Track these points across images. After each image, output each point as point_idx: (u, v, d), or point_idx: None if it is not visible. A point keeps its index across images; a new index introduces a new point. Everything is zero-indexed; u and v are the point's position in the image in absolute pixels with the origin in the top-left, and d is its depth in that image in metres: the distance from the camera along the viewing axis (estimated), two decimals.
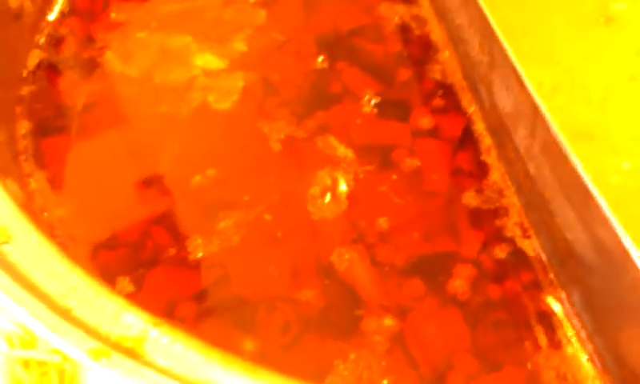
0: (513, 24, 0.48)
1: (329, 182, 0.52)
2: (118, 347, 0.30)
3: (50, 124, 0.60)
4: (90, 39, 0.67)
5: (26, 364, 0.47)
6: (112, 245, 0.51)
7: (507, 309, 0.46)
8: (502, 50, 0.46)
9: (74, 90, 0.63)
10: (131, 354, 0.30)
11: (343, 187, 0.52)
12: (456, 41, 0.58)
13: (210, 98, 0.61)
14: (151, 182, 0.55)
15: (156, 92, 0.62)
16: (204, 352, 0.33)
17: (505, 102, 0.48)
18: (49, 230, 0.49)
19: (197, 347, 0.33)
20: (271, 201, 0.52)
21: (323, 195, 0.52)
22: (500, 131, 0.50)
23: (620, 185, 0.48)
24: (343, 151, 0.54)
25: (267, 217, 0.51)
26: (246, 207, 0.51)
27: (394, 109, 0.59)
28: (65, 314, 0.32)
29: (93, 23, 0.69)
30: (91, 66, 0.65)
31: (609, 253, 0.37)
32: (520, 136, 0.46)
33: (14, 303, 0.31)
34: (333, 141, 0.56)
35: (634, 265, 0.35)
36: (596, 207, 0.36)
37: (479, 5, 0.48)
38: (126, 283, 0.49)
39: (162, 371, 0.30)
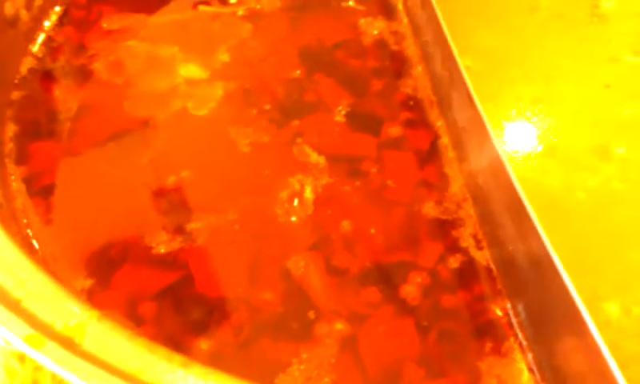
0: (489, 39, 0.50)
1: (297, 187, 0.54)
2: (55, 337, 0.32)
3: (39, 129, 0.63)
4: (82, 47, 0.70)
5: (22, 358, 0.49)
6: (81, 245, 0.53)
7: (457, 318, 0.47)
8: (456, 67, 0.47)
9: (66, 97, 0.66)
10: (67, 343, 0.32)
11: (310, 193, 0.54)
12: (426, 56, 0.60)
13: (189, 105, 0.63)
14: (131, 185, 0.58)
15: (138, 98, 0.65)
16: (144, 347, 0.35)
17: (461, 116, 0.49)
18: (23, 227, 0.52)
19: (138, 343, 0.35)
20: (241, 204, 0.54)
21: (291, 199, 0.54)
22: (460, 145, 0.52)
23: (585, 201, 0.49)
24: (316, 159, 0.56)
25: (234, 218, 0.53)
26: (217, 211, 0.53)
27: (364, 120, 0.61)
28: (13, 304, 0.34)
29: (86, 33, 0.71)
30: (83, 74, 0.68)
31: (540, 264, 0.38)
32: (472, 151, 0.47)
33: None
34: (307, 149, 0.58)
35: (560, 277, 0.36)
36: (528, 220, 0.38)
37: (439, 22, 0.50)
38: (90, 282, 0.51)
39: (97, 362, 0.32)
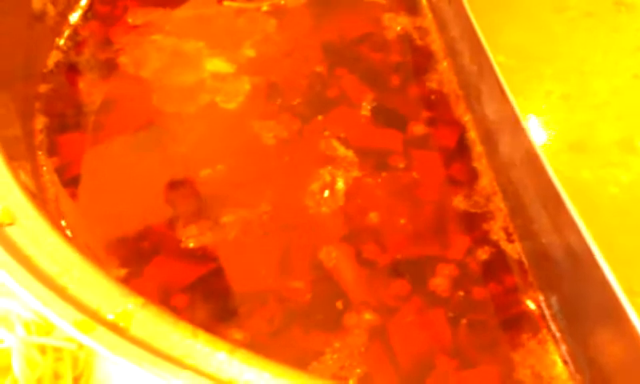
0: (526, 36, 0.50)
1: (328, 178, 0.55)
2: (104, 322, 0.33)
3: (67, 121, 0.64)
4: (107, 42, 0.71)
5: (43, 350, 0.49)
6: (116, 236, 0.54)
7: (488, 310, 0.47)
8: (487, 61, 0.48)
9: (92, 90, 0.66)
10: (116, 329, 0.33)
11: (341, 184, 0.55)
12: (452, 52, 0.60)
13: (218, 99, 0.63)
14: (161, 177, 0.58)
15: (166, 92, 0.65)
16: (189, 332, 0.35)
17: (491, 110, 0.50)
18: (56, 217, 0.53)
19: (182, 329, 0.36)
20: (272, 196, 0.55)
21: (322, 191, 0.54)
22: (489, 139, 0.52)
23: (618, 196, 0.49)
24: (343, 152, 0.57)
25: (266, 210, 0.53)
26: (249, 205, 0.54)
27: (389, 115, 0.61)
28: (60, 291, 0.35)
29: (111, 27, 0.72)
30: (108, 68, 0.69)
31: (577, 257, 0.38)
32: (503, 144, 0.47)
33: (14, 281, 0.34)
34: (334, 142, 0.58)
35: (599, 270, 0.36)
36: (566, 213, 0.38)
37: (469, 18, 0.50)
38: (124, 271, 0.51)
39: (146, 347, 0.33)
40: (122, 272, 0.51)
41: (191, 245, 0.52)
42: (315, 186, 0.54)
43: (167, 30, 0.71)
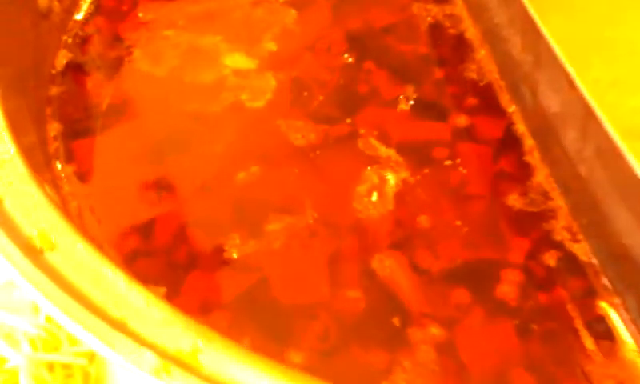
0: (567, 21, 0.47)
1: (376, 180, 0.51)
2: (176, 361, 0.29)
3: (80, 125, 0.59)
4: (117, 39, 0.67)
5: (51, 367, 0.47)
6: (146, 250, 0.50)
7: (559, 317, 0.44)
8: (548, 49, 0.45)
9: (104, 91, 0.62)
10: (189, 368, 0.29)
11: (391, 186, 0.51)
12: (493, 39, 0.57)
13: (244, 97, 0.59)
14: (184, 181, 0.54)
15: (185, 91, 0.61)
16: (257, 363, 0.32)
17: (551, 102, 0.46)
18: (87, 235, 0.48)
19: (248, 358, 0.32)
20: (316, 200, 0.51)
21: (370, 193, 0.51)
22: (545, 132, 0.49)
23: None
24: (385, 151, 0.53)
25: (312, 216, 0.50)
26: (293, 211, 0.50)
27: (428, 110, 0.58)
28: (121, 327, 0.31)
29: (121, 23, 0.68)
30: (119, 66, 0.64)
31: None
32: (569, 138, 0.44)
33: (66, 317, 0.30)
34: (373, 141, 0.55)
35: None
36: None
37: (522, 3, 0.47)
38: (161, 290, 0.48)
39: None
40: (161, 291, 0.47)
41: (235, 255, 0.48)
42: (363, 189, 0.51)
43: (181, 24, 0.67)
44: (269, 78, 0.61)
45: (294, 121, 0.57)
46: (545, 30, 0.45)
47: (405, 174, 0.52)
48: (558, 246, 0.47)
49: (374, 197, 0.50)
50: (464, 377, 0.42)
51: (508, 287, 0.45)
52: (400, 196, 0.50)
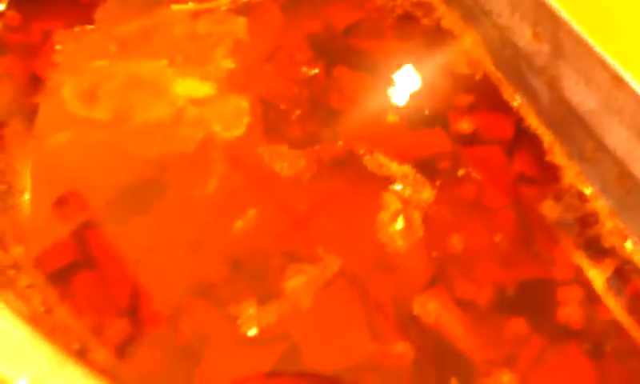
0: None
1: (398, 204, 0.44)
2: None
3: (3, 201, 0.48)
4: (35, 79, 0.55)
5: None
6: (139, 340, 0.41)
7: (628, 332, 0.40)
8: (577, 41, 0.40)
9: (23, 148, 0.51)
10: None
11: (416, 209, 0.44)
12: (477, 24, 0.51)
13: (216, 128, 0.51)
14: (167, 243, 0.45)
15: (139, 134, 0.51)
16: None
17: (583, 97, 0.42)
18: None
19: None
20: (336, 241, 0.44)
21: (394, 220, 0.44)
22: (572, 128, 0.45)
23: None
24: (398, 168, 0.46)
25: (335, 261, 0.42)
26: (311, 258, 0.42)
27: (420, 115, 0.52)
28: None
29: (35, 59, 0.56)
30: (42, 113, 0.53)
31: None
32: (616, 136, 0.40)
33: None
34: (381, 158, 0.48)
35: None
36: None
37: None
38: None
39: None
40: None
41: (253, 331, 0.40)
42: (385, 216, 0.44)
43: (113, 51, 0.56)
44: (235, 101, 0.52)
45: (274, 146, 0.49)
46: (569, 19, 0.40)
47: (427, 194, 0.45)
48: (611, 252, 0.43)
49: (399, 224, 0.44)
50: None
51: (571, 309, 0.41)
52: (427, 219, 0.44)
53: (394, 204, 0.44)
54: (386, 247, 0.43)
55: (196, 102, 0.53)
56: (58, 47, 0.56)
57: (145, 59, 0.56)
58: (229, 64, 0.56)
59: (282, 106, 0.53)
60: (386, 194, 0.45)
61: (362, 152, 0.49)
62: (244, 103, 0.52)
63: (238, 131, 0.50)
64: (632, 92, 0.37)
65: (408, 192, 0.45)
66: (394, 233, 0.44)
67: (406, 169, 0.47)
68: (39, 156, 0.51)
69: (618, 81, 0.37)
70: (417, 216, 0.44)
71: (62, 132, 0.52)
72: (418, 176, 0.46)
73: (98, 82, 0.55)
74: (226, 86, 0.54)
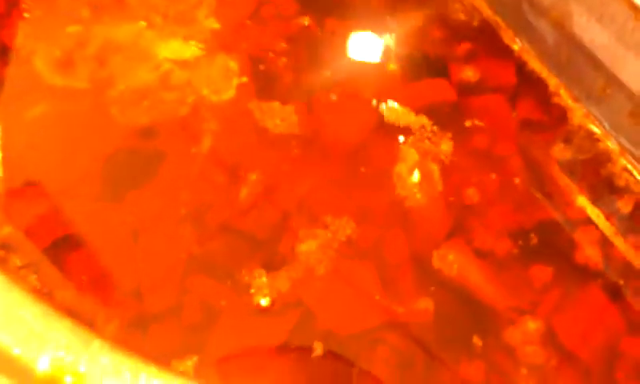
0: None
1: (416, 156, 0.42)
2: None
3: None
4: (3, 50, 0.51)
5: None
6: (152, 315, 0.39)
7: None
8: None
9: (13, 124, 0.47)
10: None
11: (434, 161, 0.43)
12: None
13: (205, 92, 0.48)
14: (164, 218, 0.43)
15: (123, 102, 0.48)
16: None
17: (594, 34, 0.41)
18: None
19: None
20: (350, 196, 0.42)
21: (411, 173, 0.42)
22: (579, 67, 0.43)
23: None
24: (415, 119, 0.44)
25: (350, 222, 0.40)
26: (324, 221, 0.40)
27: (421, 64, 0.50)
28: None
29: (2, 30, 0.52)
30: (16, 86, 0.50)
31: None
32: (632, 70, 0.39)
33: None
34: (398, 107, 0.45)
35: None
36: None
37: None
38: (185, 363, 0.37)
39: None
40: (189, 364, 0.36)
41: (266, 300, 0.38)
42: (402, 169, 0.42)
43: (85, 16, 0.53)
44: (225, 61, 0.50)
45: (270, 103, 0.47)
46: None
47: (446, 146, 0.44)
48: (626, 190, 0.42)
49: (416, 176, 0.42)
50: (579, 368, 0.37)
51: (589, 250, 0.40)
52: (445, 172, 0.43)
53: (412, 156, 0.43)
54: (403, 201, 0.41)
55: (182, 64, 0.50)
56: (25, 15, 0.52)
57: (121, 22, 0.52)
58: (213, 23, 0.53)
59: (273, 65, 0.50)
60: (403, 146, 0.43)
61: (374, 103, 0.47)
62: (233, 64, 0.49)
63: (229, 94, 0.47)
64: None
65: (424, 143, 0.43)
66: (412, 186, 0.42)
67: (424, 120, 0.45)
68: (14, 132, 0.47)
69: (635, 11, 0.36)
70: (435, 169, 0.42)
71: (37, 104, 0.48)
72: (436, 128, 0.44)
73: (72, 49, 0.51)
74: (212, 47, 0.51)
